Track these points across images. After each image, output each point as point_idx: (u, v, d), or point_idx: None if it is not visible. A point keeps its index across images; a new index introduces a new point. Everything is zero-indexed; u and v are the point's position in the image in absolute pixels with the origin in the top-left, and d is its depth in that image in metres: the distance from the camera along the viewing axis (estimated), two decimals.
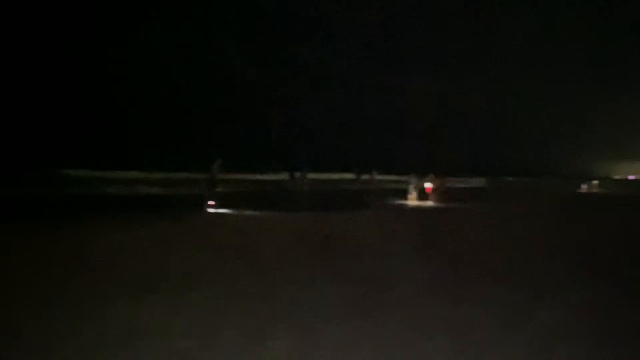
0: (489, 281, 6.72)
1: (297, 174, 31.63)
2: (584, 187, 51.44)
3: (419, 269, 7.41)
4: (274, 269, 7.10)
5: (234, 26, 55.40)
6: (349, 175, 43.87)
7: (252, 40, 56.63)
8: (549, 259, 8.79)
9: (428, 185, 24.50)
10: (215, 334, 4.12)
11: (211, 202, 16.32)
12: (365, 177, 40.11)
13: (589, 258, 8.91)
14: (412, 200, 23.85)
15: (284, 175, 37.87)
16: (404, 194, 24.47)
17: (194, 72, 49.40)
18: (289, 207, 18.20)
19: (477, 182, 57.08)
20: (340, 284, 6.16)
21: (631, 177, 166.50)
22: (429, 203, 23.43)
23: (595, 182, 57.07)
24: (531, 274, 7.31)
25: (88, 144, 37.33)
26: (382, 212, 18.69)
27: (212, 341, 3.95)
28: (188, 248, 8.88)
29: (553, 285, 6.50)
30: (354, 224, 14.33)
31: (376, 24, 65.07)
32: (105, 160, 33.03)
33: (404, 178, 25.67)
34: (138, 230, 10.90)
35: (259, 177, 38.54)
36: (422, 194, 24.23)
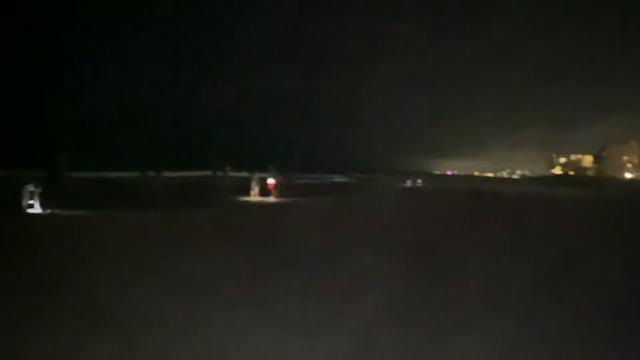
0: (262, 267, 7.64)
1: (152, 173, 30.44)
2: (408, 183, 57.30)
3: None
4: None
5: None
6: (207, 173, 43.53)
7: None
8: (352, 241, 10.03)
9: (270, 181, 25.28)
10: None
11: (31, 202, 15.16)
12: (220, 173, 39.79)
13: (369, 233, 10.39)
14: (254, 197, 24.44)
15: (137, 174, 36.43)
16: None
17: None
18: (131, 205, 17.67)
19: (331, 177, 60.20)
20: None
21: (449, 173, 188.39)
22: (271, 199, 24.24)
23: (419, 178, 63.84)
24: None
25: None
26: (218, 210, 18.78)
27: None
28: None
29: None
30: (178, 222, 14.57)
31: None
32: None
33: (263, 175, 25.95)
34: None
35: (112, 175, 37.41)
36: (264, 190, 24.96)
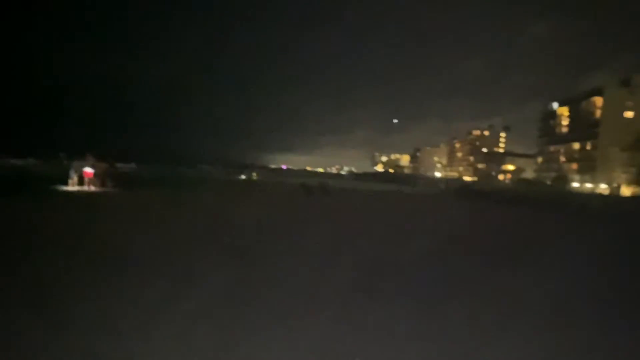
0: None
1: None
2: (243, 176, 57.53)
3: None
4: None
5: None
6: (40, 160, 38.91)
7: None
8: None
9: (88, 170, 23.20)
10: None
11: None
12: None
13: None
14: (72, 186, 22.38)
15: None
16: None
17: None
18: None
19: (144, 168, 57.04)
20: None
21: (284, 167, 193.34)
22: (91, 188, 22.37)
23: (254, 171, 64.50)
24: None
25: None
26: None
27: None
28: None
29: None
30: None
31: None
32: None
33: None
34: None
35: None
36: (82, 179, 22.92)
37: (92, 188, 22.55)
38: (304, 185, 33.03)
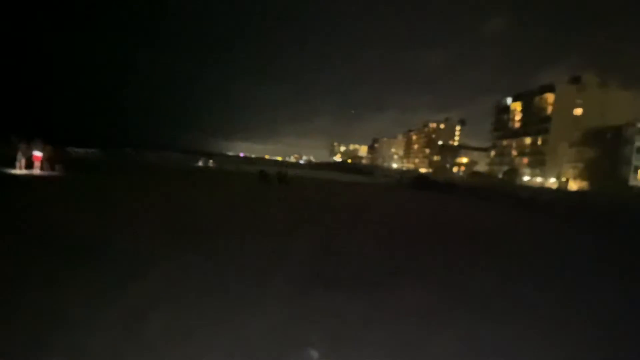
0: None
1: None
2: (200, 163, 56.67)
3: None
4: None
5: None
6: None
7: None
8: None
9: (36, 153, 22.40)
10: None
11: None
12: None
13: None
14: (20, 169, 21.57)
15: None
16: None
17: None
18: None
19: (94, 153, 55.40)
20: None
21: (242, 155, 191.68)
22: (36, 172, 21.60)
23: (211, 158, 63.60)
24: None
25: None
26: None
27: None
28: None
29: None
30: None
31: None
32: None
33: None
34: None
35: None
36: (30, 163, 22.13)
37: (40, 172, 21.79)
38: (263, 173, 32.92)
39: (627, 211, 26.19)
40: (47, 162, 22.73)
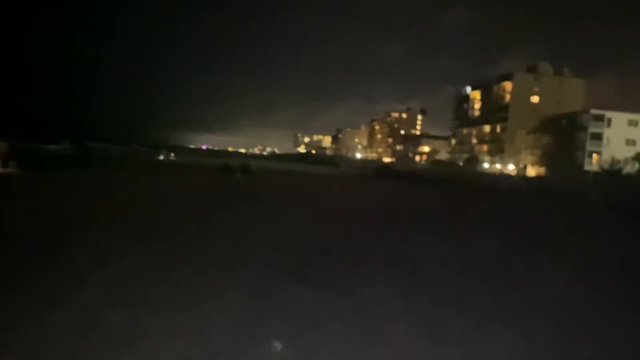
0: None
1: None
2: (161, 156, 55.64)
3: None
4: None
5: None
6: None
7: None
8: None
9: None
10: None
11: None
12: None
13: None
14: None
15: None
16: None
17: None
18: None
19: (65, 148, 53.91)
20: None
21: (204, 147, 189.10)
22: None
23: (172, 151, 62.54)
24: None
25: None
26: None
27: None
28: None
29: None
30: None
31: None
32: None
33: None
34: None
35: None
36: None
37: None
38: (227, 165, 32.64)
39: (579, 194, 27.56)
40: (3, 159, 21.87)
